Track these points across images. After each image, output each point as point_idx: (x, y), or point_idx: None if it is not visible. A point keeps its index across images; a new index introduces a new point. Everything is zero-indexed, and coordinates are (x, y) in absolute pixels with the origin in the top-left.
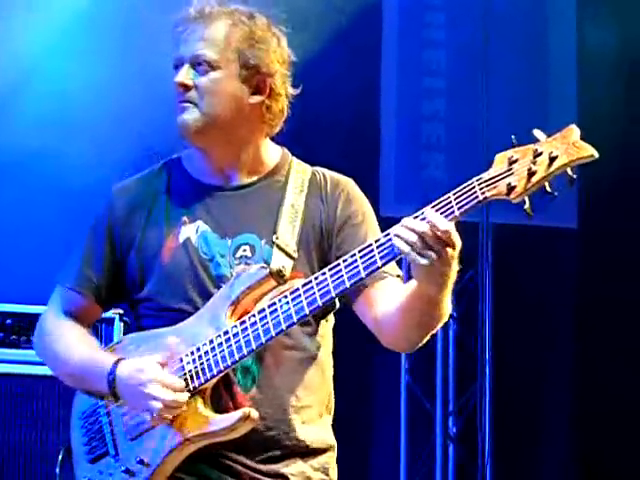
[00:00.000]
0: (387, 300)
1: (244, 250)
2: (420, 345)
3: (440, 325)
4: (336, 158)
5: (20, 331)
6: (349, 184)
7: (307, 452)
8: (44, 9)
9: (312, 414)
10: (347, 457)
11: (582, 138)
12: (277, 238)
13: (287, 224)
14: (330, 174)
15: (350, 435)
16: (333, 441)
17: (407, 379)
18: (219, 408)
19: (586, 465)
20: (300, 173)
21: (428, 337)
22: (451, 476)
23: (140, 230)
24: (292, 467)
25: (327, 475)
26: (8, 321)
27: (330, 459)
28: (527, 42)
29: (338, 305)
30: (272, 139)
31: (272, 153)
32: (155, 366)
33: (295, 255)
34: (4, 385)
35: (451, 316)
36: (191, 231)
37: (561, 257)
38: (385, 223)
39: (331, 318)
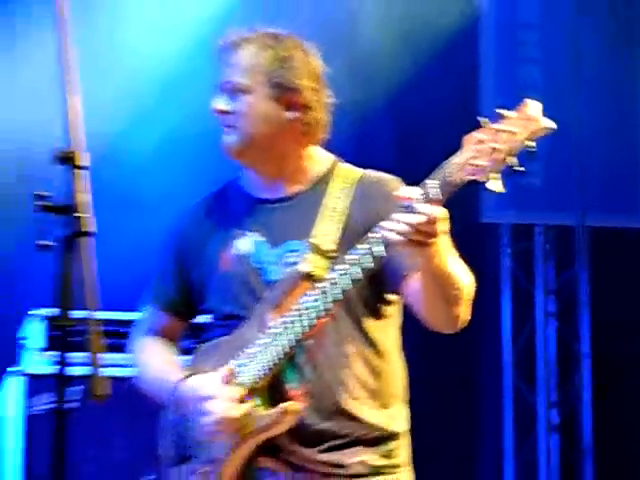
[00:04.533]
0: None
1: (292, 257)
2: (463, 321)
3: (466, 294)
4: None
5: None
6: (392, 182)
7: (369, 440)
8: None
9: (371, 404)
10: (452, 448)
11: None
12: (311, 240)
13: (325, 226)
14: (377, 174)
15: (455, 427)
16: (400, 428)
17: (512, 373)
18: (275, 405)
19: None
20: (346, 177)
21: (466, 311)
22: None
23: (201, 246)
24: (354, 456)
25: (393, 460)
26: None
27: (395, 447)
28: (619, 55)
29: (394, 297)
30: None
31: (320, 162)
32: (213, 382)
33: (334, 255)
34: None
35: (551, 313)
36: (245, 243)
37: None
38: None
39: (392, 312)
